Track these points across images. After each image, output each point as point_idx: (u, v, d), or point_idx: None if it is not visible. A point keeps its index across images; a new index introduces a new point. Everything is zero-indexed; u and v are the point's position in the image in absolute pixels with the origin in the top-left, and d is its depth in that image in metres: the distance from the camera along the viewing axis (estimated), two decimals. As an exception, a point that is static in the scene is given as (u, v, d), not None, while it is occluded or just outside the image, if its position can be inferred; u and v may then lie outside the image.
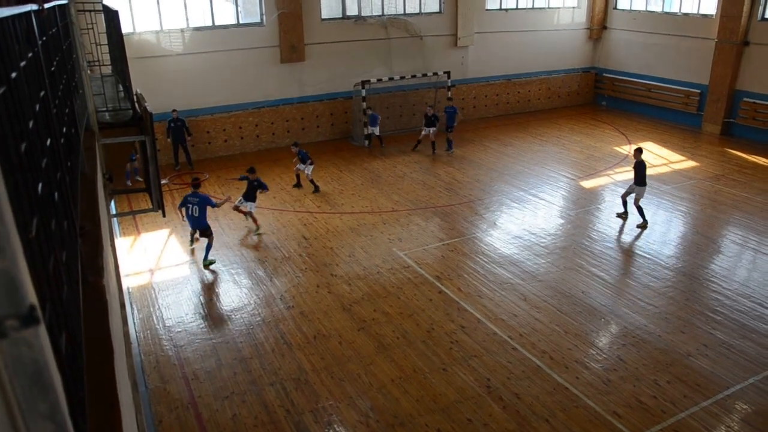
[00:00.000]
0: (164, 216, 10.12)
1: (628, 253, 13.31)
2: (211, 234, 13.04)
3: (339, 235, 14.40)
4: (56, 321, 1.99)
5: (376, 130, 21.21)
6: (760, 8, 21.57)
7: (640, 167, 14.68)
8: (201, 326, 10.74)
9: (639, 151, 14.92)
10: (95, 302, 3.42)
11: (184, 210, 12.95)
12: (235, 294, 11.86)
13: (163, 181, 16.05)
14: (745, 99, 22.34)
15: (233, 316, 11.04)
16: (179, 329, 10.67)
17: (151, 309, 11.35)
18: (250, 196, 14.44)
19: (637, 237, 14.16)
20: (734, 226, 15.00)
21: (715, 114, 23.19)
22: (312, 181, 17.12)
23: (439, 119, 20.58)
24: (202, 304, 11.50)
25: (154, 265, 13.13)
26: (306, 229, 14.69)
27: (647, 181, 14.82)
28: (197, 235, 13.19)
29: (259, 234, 14.41)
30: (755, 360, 9.60)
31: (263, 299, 11.62)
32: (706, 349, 9.87)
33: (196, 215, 12.79)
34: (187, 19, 19.38)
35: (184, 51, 19.46)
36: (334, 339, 10.27)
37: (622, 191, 15.69)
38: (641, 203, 14.69)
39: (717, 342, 10.07)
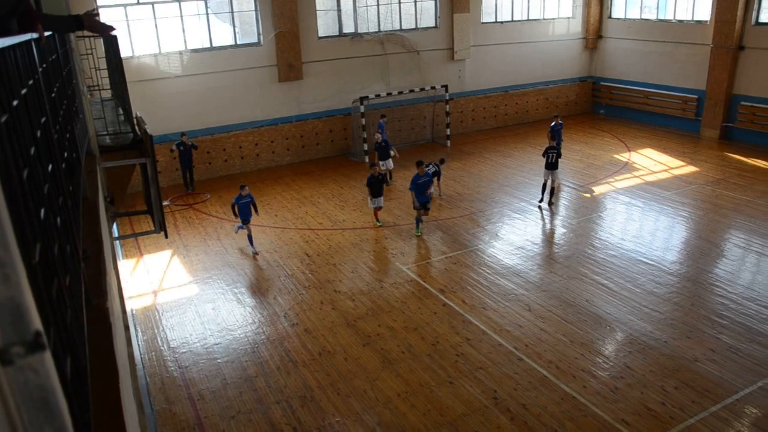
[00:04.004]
0: (166, 237, 10.12)
1: (631, 260, 13.29)
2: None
3: (341, 251, 14.40)
4: (61, 345, 2.00)
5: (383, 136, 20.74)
6: (754, 13, 21.69)
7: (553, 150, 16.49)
8: (205, 346, 10.73)
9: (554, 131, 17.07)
10: (99, 325, 3.43)
11: (412, 191, 14.90)
12: (239, 313, 11.84)
13: (164, 203, 16.10)
14: (742, 103, 22.40)
15: (238, 335, 11.03)
16: (184, 350, 10.65)
17: (156, 330, 11.34)
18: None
19: (640, 244, 14.15)
20: (737, 229, 14.98)
21: (713, 119, 23.25)
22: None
23: (392, 147, 19.15)
24: (205, 324, 11.49)
25: (157, 286, 13.14)
26: (308, 246, 14.69)
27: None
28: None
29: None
30: (763, 363, 9.56)
31: (267, 317, 11.61)
32: (713, 354, 9.84)
33: (431, 190, 15.03)
34: (185, 42, 19.52)
35: (182, 73, 19.59)
36: (339, 355, 10.25)
37: (624, 198, 15.71)
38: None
39: (724, 346, 10.04)
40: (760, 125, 21.90)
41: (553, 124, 19.52)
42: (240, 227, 14.44)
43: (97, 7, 15.94)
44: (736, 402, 8.75)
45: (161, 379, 9.86)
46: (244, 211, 14.00)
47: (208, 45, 19.99)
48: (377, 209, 15.77)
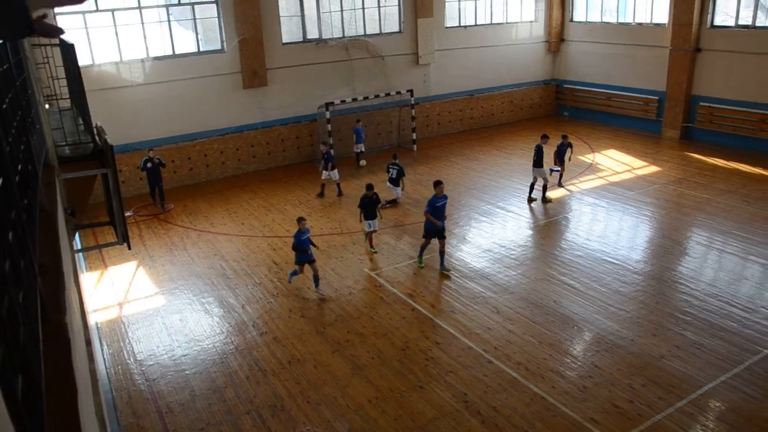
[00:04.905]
0: (129, 248, 9.94)
1: (597, 260, 13.47)
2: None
3: (310, 257, 14.30)
4: (11, 365, 1.94)
5: (362, 147, 21.70)
6: (709, 16, 22.23)
7: (539, 151, 17.11)
8: (173, 358, 10.56)
9: (544, 137, 17.56)
10: (57, 341, 3.34)
11: (429, 214, 12.98)
12: (207, 323, 11.69)
13: (127, 214, 15.85)
14: (701, 103, 22.92)
15: (206, 346, 10.88)
16: (151, 362, 10.48)
17: (122, 343, 11.13)
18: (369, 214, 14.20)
19: (605, 244, 14.35)
20: (699, 227, 15.29)
21: (673, 119, 23.74)
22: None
23: (333, 159, 18.29)
24: (173, 335, 11.31)
25: (122, 298, 12.91)
26: (276, 254, 14.58)
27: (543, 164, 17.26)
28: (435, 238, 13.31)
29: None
30: (726, 358, 9.76)
31: (235, 327, 11.48)
32: (678, 350, 10.01)
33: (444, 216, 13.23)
34: (146, 49, 19.24)
35: (145, 81, 19.31)
36: (308, 363, 10.18)
37: (589, 199, 15.91)
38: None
39: (688, 342, 10.23)
40: (719, 125, 22.43)
41: (560, 143, 18.46)
42: (294, 273, 12.69)
43: (50, 13, 15.64)
44: (701, 397, 8.92)
45: (128, 393, 9.68)
46: (303, 248, 12.29)
47: (170, 52, 19.74)
48: (371, 234, 14.42)
